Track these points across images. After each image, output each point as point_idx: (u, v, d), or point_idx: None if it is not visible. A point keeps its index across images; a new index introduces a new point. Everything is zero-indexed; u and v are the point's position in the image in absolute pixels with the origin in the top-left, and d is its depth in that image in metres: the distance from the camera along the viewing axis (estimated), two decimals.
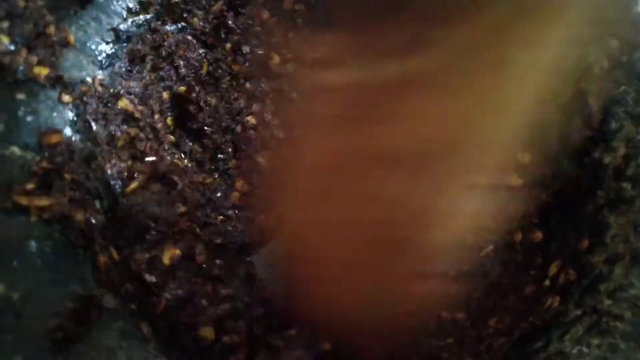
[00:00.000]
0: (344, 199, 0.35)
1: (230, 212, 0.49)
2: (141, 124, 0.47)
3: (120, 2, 0.49)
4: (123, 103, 0.46)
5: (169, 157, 0.48)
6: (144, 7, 0.51)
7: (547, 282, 0.48)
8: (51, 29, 0.44)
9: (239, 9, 0.56)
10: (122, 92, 0.47)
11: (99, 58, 0.47)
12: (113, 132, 0.45)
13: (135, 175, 0.44)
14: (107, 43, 0.48)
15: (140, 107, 0.48)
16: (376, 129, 0.32)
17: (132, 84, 0.49)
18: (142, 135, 0.47)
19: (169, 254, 0.40)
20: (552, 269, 0.48)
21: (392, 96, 0.31)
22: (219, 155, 0.53)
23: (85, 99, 0.44)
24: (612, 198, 0.46)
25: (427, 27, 0.27)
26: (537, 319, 0.45)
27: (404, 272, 0.37)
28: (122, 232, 0.41)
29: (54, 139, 0.41)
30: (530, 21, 0.28)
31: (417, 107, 0.31)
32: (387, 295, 0.37)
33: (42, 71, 0.42)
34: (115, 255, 0.39)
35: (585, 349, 0.38)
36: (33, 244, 0.36)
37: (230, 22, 0.55)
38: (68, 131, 0.42)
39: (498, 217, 0.40)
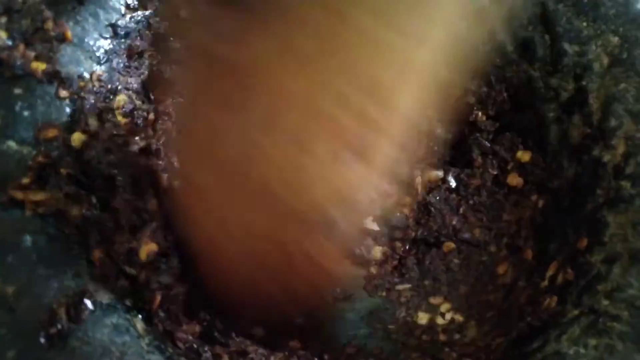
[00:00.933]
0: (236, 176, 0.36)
1: None
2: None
3: None
4: (121, 98, 0.46)
5: None
6: (142, 3, 0.51)
7: (546, 282, 0.48)
8: (49, 25, 0.44)
9: None
10: (120, 87, 0.47)
11: (97, 54, 0.47)
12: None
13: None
14: (105, 39, 0.48)
15: (138, 103, 0.48)
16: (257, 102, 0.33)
17: (130, 79, 0.49)
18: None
19: (146, 249, 0.40)
20: (551, 269, 0.48)
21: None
22: None
23: (82, 94, 0.44)
24: (611, 197, 0.46)
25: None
26: (534, 319, 0.45)
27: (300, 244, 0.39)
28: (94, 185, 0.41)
29: (51, 133, 0.41)
30: None
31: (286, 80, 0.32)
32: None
33: (40, 66, 0.43)
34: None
35: (582, 350, 0.38)
36: (28, 238, 0.36)
37: None
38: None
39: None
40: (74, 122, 0.43)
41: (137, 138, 0.45)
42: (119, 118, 0.45)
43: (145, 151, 0.44)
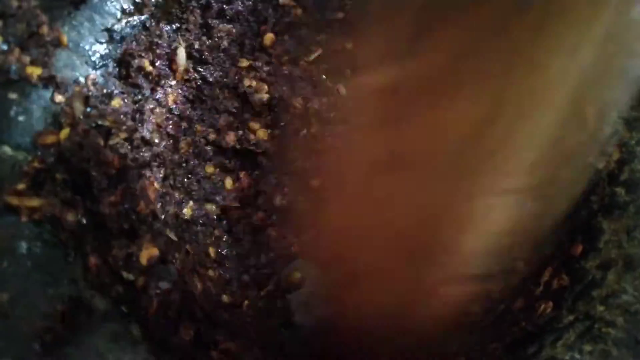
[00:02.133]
0: (375, 207, 0.35)
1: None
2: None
3: (114, 3, 0.49)
4: (116, 103, 0.46)
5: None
6: (138, 8, 0.51)
7: (541, 288, 0.48)
8: (44, 29, 0.44)
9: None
10: (115, 92, 0.47)
11: (92, 58, 0.47)
12: None
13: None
14: (101, 43, 0.48)
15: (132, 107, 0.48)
16: (402, 135, 0.32)
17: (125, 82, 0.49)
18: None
19: (147, 254, 0.40)
20: (546, 275, 0.48)
21: (415, 99, 0.31)
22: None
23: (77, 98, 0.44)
24: (606, 203, 0.46)
25: (430, 25, 0.28)
26: (529, 324, 0.45)
27: (437, 277, 0.37)
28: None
29: (49, 139, 0.41)
30: (560, 23, 0.28)
31: (435, 111, 0.31)
32: (419, 302, 0.38)
33: (35, 71, 0.42)
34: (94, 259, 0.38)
35: (577, 355, 0.38)
36: (23, 244, 0.36)
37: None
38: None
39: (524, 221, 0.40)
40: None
41: (124, 127, 0.44)
42: (114, 102, 0.45)
43: (125, 145, 0.44)
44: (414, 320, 0.39)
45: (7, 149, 0.39)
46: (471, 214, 0.35)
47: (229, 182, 0.53)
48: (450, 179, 0.33)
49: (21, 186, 0.37)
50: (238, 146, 0.53)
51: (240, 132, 0.54)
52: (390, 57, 0.31)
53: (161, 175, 0.47)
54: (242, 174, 0.54)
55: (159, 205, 0.46)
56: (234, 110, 0.55)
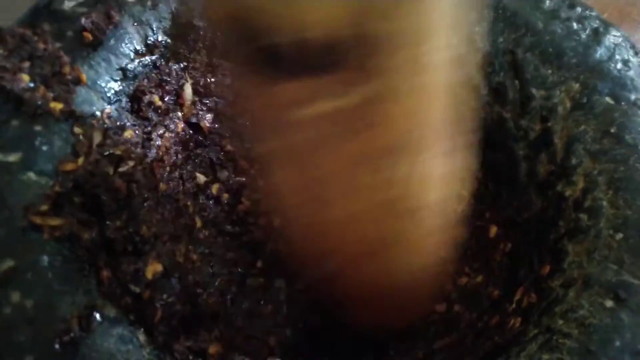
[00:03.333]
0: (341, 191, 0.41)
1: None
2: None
3: (128, 45, 0.54)
4: (128, 134, 0.51)
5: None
6: (149, 49, 0.56)
7: (513, 306, 0.52)
8: (66, 69, 0.49)
9: None
10: (127, 124, 0.52)
11: (108, 94, 0.52)
12: None
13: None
14: (116, 81, 0.53)
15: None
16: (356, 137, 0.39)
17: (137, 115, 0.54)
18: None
19: (152, 269, 0.44)
20: (518, 294, 0.52)
21: (358, 114, 0.37)
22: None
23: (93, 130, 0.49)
24: (571, 228, 0.50)
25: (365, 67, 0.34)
26: (500, 338, 0.49)
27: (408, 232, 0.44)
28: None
29: (69, 167, 0.46)
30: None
31: (381, 117, 0.37)
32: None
33: (57, 106, 0.47)
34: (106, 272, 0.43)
35: None
36: (45, 258, 0.40)
37: None
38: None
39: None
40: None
41: (133, 155, 0.48)
42: (126, 134, 0.50)
43: (132, 174, 0.48)
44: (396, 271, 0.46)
45: (32, 175, 0.44)
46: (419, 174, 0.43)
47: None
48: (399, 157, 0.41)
49: (44, 208, 0.42)
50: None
51: None
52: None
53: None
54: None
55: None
56: None
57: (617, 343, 0.40)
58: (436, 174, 0.44)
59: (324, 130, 0.37)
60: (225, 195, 0.59)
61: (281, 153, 0.39)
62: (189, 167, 0.58)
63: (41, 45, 0.48)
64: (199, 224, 0.56)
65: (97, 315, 0.39)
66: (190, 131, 0.58)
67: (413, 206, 0.43)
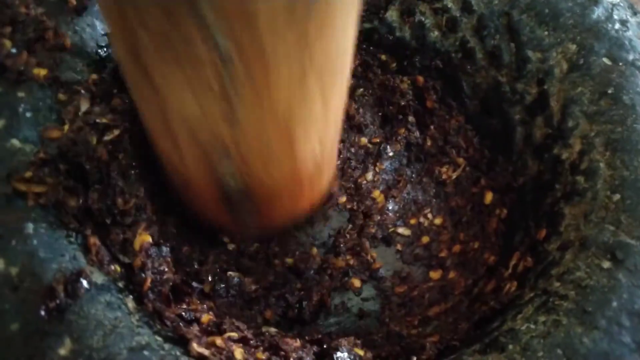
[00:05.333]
0: None
1: None
2: None
3: None
4: (115, 102, 0.50)
5: None
6: None
7: (509, 271, 0.51)
8: (50, 34, 0.48)
9: None
10: (114, 91, 0.51)
11: (94, 61, 0.51)
12: None
13: None
14: (101, 47, 0.51)
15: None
16: None
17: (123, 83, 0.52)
18: None
19: (140, 240, 0.43)
20: (514, 259, 0.52)
21: None
22: None
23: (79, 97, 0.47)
24: (568, 191, 0.50)
25: None
26: (496, 303, 0.48)
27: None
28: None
29: (54, 134, 0.45)
30: None
31: None
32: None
33: (41, 72, 0.46)
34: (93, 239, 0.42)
35: (532, 326, 0.41)
36: (30, 225, 0.39)
37: None
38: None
39: None
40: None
41: (119, 124, 0.47)
42: (113, 102, 0.49)
43: (118, 142, 0.47)
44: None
45: (16, 142, 0.43)
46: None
47: None
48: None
49: (28, 174, 0.41)
50: None
51: None
52: None
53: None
54: None
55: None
56: None
57: (614, 303, 0.40)
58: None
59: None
60: None
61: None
62: None
63: (23, 10, 0.47)
64: None
65: (84, 282, 0.38)
66: None
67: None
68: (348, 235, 0.57)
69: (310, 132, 0.44)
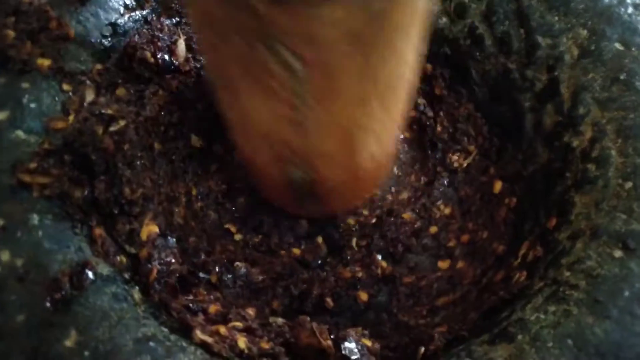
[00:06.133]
0: None
1: None
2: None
3: None
4: (120, 92, 0.50)
5: None
6: (140, 4, 0.54)
7: (519, 260, 0.51)
8: (53, 24, 0.47)
9: None
10: (119, 82, 0.50)
11: (98, 51, 0.50)
12: None
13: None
14: (105, 37, 0.51)
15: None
16: None
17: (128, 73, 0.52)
18: None
19: (147, 230, 0.43)
20: (523, 248, 0.51)
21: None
22: None
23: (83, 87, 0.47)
24: (578, 179, 0.49)
25: None
26: (506, 293, 0.47)
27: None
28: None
29: (59, 124, 0.45)
30: None
31: None
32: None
33: (45, 62, 0.46)
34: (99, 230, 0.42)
35: (542, 316, 0.41)
36: (35, 216, 0.39)
37: None
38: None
39: None
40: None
41: (125, 114, 0.47)
42: (118, 92, 0.48)
43: (124, 132, 0.46)
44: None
45: (20, 133, 0.43)
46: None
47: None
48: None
49: (32, 165, 0.41)
50: None
51: None
52: None
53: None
54: None
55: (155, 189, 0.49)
56: None
57: (627, 293, 0.39)
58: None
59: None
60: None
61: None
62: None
63: (26, 0, 0.47)
64: (194, 192, 0.55)
65: (90, 274, 0.38)
66: (185, 90, 0.57)
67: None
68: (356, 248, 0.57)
69: (370, 138, 0.47)
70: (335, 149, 0.46)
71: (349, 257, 0.56)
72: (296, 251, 0.55)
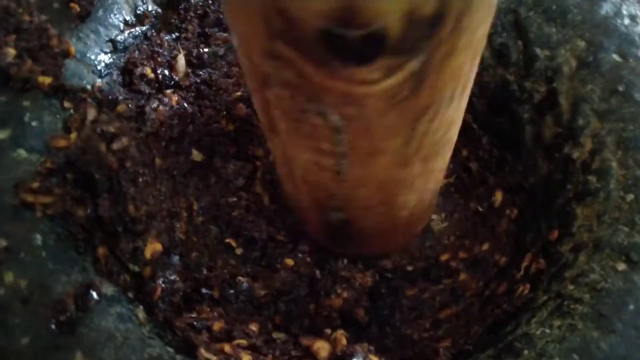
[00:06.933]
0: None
1: None
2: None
3: (117, 15, 0.52)
4: (121, 108, 0.49)
5: None
6: (139, 20, 0.54)
7: (521, 273, 0.51)
8: (54, 42, 0.47)
9: None
10: (119, 98, 0.50)
11: (98, 67, 0.50)
12: None
13: None
14: (106, 53, 0.51)
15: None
16: None
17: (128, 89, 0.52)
18: None
19: (151, 248, 0.43)
20: (526, 260, 0.51)
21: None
22: None
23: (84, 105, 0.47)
24: (579, 191, 0.49)
25: None
26: (509, 306, 0.48)
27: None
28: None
29: (61, 143, 0.44)
30: None
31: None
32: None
33: (46, 80, 0.46)
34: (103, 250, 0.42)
35: (547, 330, 0.41)
36: (38, 237, 0.39)
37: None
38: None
39: None
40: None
41: (127, 131, 0.46)
42: (119, 108, 0.48)
43: (125, 150, 0.46)
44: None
45: (22, 152, 0.42)
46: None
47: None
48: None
49: (35, 185, 0.41)
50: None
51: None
52: None
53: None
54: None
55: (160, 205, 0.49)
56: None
57: (631, 306, 0.39)
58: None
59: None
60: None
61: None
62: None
63: (26, 18, 0.47)
64: (195, 206, 0.55)
65: (94, 294, 0.37)
66: (185, 104, 0.57)
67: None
68: None
69: (409, 190, 0.47)
70: (372, 198, 0.47)
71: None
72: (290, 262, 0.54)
